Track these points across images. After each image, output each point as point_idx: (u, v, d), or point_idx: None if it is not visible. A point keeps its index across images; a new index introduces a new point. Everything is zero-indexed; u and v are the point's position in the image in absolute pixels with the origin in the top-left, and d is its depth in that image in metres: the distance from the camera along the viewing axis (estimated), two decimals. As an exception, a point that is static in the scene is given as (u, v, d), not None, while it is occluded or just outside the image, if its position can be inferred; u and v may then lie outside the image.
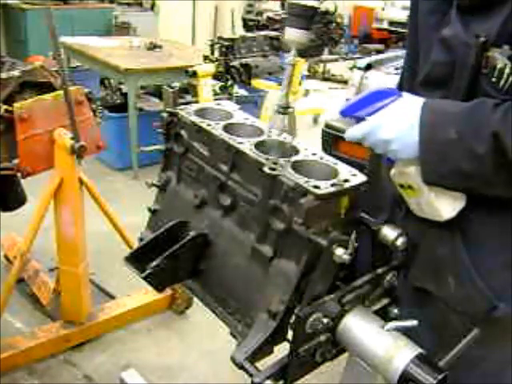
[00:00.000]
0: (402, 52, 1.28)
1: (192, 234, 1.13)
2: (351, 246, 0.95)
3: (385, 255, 1.08)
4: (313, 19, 1.00)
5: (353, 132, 1.01)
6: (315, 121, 6.14)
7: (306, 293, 0.97)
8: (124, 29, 6.85)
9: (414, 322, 0.99)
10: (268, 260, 1.02)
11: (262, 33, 4.69)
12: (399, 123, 0.97)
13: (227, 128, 1.14)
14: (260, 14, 7.94)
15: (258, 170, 1.00)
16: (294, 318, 0.97)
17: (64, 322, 2.51)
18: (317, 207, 0.93)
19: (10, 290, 2.32)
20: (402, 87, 1.20)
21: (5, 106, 2.12)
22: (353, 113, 1.01)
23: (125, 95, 4.55)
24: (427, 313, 1.11)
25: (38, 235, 2.31)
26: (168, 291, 2.77)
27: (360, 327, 1.00)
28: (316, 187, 0.94)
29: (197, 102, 3.70)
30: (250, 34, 4.61)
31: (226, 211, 1.11)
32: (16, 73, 2.19)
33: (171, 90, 3.83)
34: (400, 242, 1.00)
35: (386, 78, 3.65)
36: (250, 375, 0.96)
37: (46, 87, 2.25)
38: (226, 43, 4.13)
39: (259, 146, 1.08)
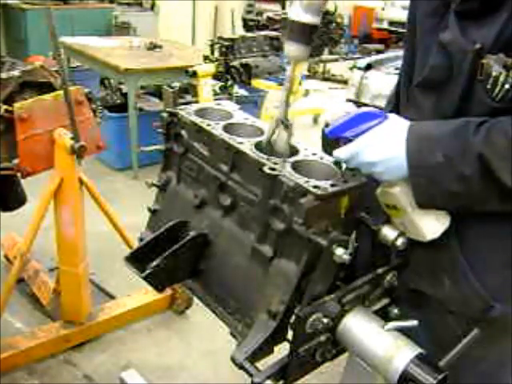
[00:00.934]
0: (401, 52, 1.27)
1: (192, 233, 1.13)
2: (351, 246, 0.95)
3: (385, 255, 1.08)
4: (313, 35, 1.00)
5: (339, 153, 1.02)
6: (315, 121, 6.14)
7: (306, 293, 0.97)
8: (124, 29, 6.85)
9: (414, 322, 0.99)
10: (268, 260, 1.02)
11: (262, 33, 4.69)
12: (384, 146, 0.98)
13: (227, 128, 1.14)
14: (260, 14, 7.93)
15: (258, 170, 1.00)
16: (294, 317, 0.97)
17: (64, 322, 2.51)
18: (317, 207, 0.93)
19: (10, 290, 2.32)
20: (399, 89, 1.21)
21: (5, 106, 2.12)
22: (339, 133, 1.01)
23: (125, 95, 4.55)
24: (424, 313, 1.11)
25: (38, 235, 2.31)
26: (168, 291, 2.77)
27: (360, 327, 1.00)
28: (316, 187, 0.94)
29: (197, 101, 3.70)
30: (249, 34, 4.61)
31: (226, 211, 1.11)
32: (16, 73, 2.19)
33: (171, 89, 3.83)
34: (400, 242, 1.00)
35: (386, 77, 3.65)
36: (250, 375, 0.96)
37: (46, 87, 2.25)
38: (226, 43, 4.13)
39: (259, 145, 1.08)
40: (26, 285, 2.84)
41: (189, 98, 4.02)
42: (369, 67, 3.87)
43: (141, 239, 1.27)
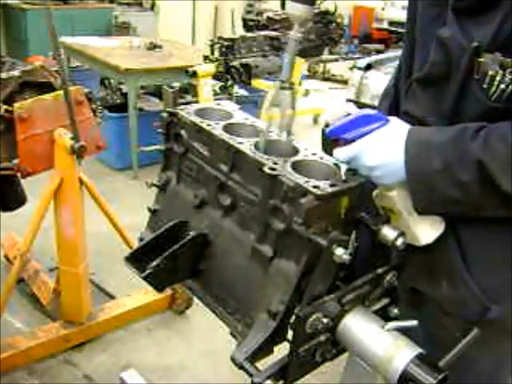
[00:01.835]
0: (401, 52, 1.28)
1: (192, 233, 1.13)
2: (351, 246, 0.95)
3: (385, 255, 1.08)
4: None
5: (339, 154, 1.02)
6: (315, 121, 6.14)
7: (306, 293, 0.97)
8: (124, 29, 6.85)
9: (414, 322, 0.99)
10: (268, 260, 1.02)
11: (262, 33, 4.68)
12: (383, 150, 0.98)
13: (227, 128, 1.14)
14: (260, 13, 7.92)
15: (258, 170, 1.00)
16: (294, 317, 0.97)
17: (64, 322, 2.51)
18: (317, 207, 0.93)
19: (10, 290, 2.32)
20: (398, 82, 1.21)
21: (5, 106, 2.12)
22: (339, 134, 1.01)
23: (125, 95, 4.55)
24: (422, 313, 1.11)
25: (38, 235, 2.31)
26: (168, 291, 2.77)
27: (360, 327, 1.00)
28: (316, 187, 0.94)
29: (197, 101, 3.70)
30: (250, 34, 4.60)
31: (226, 211, 1.11)
32: (16, 73, 2.19)
33: (171, 90, 3.83)
34: (400, 242, 1.00)
35: (386, 77, 3.65)
36: (250, 375, 0.96)
37: (46, 87, 2.25)
38: (226, 43, 4.13)
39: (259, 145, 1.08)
40: (26, 285, 2.84)
41: (189, 97, 4.01)
42: (369, 67, 3.87)
43: (141, 239, 1.27)
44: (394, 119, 1.03)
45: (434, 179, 0.94)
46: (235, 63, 4.08)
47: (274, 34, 4.63)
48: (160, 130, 1.22)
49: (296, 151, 1.09)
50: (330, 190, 0.95)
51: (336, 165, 1.05)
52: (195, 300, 2.64)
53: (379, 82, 3.72)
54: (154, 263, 1.08)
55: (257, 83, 4.39)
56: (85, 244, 2.46)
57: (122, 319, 2.68)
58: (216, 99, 3.74)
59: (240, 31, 7.11)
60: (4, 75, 2.15)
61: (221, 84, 4.26)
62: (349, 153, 1.00)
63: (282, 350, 1.01)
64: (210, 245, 1.14)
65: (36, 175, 2.22)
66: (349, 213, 1.00)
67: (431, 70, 1.02)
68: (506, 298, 1.03)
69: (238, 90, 4.91)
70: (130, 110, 4.20)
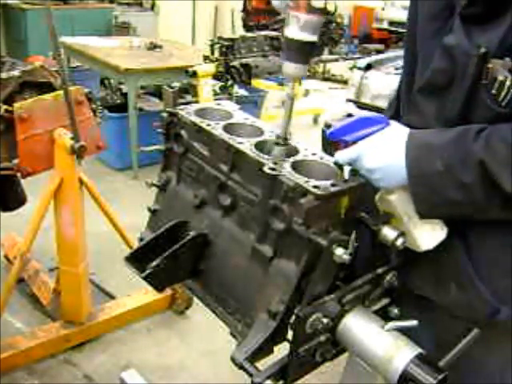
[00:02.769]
0: (401, 52, 1.27)
1: (192, 233, 1.13)
2: (351, 245, 0.95)
3: (385, 255, 1.08)
4: (311, 53, 0.98)
5: (340, 156, 1.02)
6: (315, 121, 6.14)
7: (306, 293, 0.97)
8: (124, 29, 6.85)
9: (414, 322, 0.99)
10: (268, 260, 1.02)
11: (262, 33, 4.68)
12: (383, 153, 0.98)
13: (227, 128, 1.14)
14: (260, 13, 7.92)
15: (258, 170, 1.00)
16: (294, 317, 0.97)
17: (64, 322, 2.51)
18: (317, 207, 0.93)
19: (10, 290, 2.32)
20: (399, 94, 1.20)
21: (5, 106, 2.12)
22: (340, 136, 1.01)
23: (125, 95, 4.55)
24: (427, 317, 1.11)
25: (38, 235, 2.31)
26: (168, 291, 2.77)
27: (360, 327, 1.00)
28: (316, 187, 0.94)
29: (197, 101, 3.70)
30: (249, 34, 4.60)
31: (226, 211, 1.11)
32: (16, 73, 2.19)
33: (171, 89, 3.83)
34: (400, 242, 1.00)
35: (386, 77, 3.65)
36: (250, 375, 0.96)
37: (46, 87, 2.25)
38: (226, 43, 4.12)
39: (259, 145, 1.08)
40: (26, 285, 2.84)
41: (189, 97, 4.01)
42: (369, 67, 3.87)
43: (141, 239, 1.27)
44: (394, 123, 1.02)
45: (435, 181, 0.94)
46: (235, 63, 4.08)
47: (273, 33, 4.63)
48: (160, 130, 1.22)
49: (296, 151, 1.09)
50: (330, 189, 0.95)
51: (338, 166, 1.04)
52: (195, 300, 2.64)
53: (379, 82, 3.71)
54: (154, 263, 1.08)
55: (257, 83, 4.39)
56: (85, 244, 2.46)
57: (122, 319, 2.68)
58: (216, 99, 3.74)
59: (240, 31, 7.12)
60: (4, 75, 2.15)
61: (221, 84, 4.26)
62: (349, 155, 1.00)
63: (282, 350, 1.01)
64: (210, 245, 1.14)
65: (36, 175, 2.23)
66: (349, 213, 1.00)
67: (435, 77, 1.02)
68: None
69: (238, 90, 4.91)
70: (130, 110, 4.20)
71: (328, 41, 5.83)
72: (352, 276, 1.06)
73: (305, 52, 0.97)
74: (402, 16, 8.43)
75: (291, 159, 1.05)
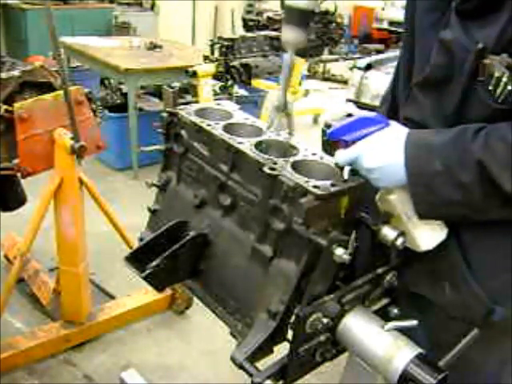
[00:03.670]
0: (401, 52, 1.28)
1: (192, 233, 1.13)
2: (351, 245, 0.95)
3: (385, 255, 1.08)
4: (310, 21, 1.02)
5: (339, 156, 1.02)
6: (315, 121, 6.14)
7: (306, 293, 0.97)
8: (124, 29, 6.85)
9: (414, 322, 0.99)
10: (268, 260, 1.02)
11: (262, 33, 4.68)
12: (382, 153, 0.98)
13: (227, 128, 1.14)
14: (260, 13, 7.92)
15: (257, 170, 1.00)
16: (294, 317, 0.97)
17: (64, 322, 2.51)
18: (317, 207, 0.93)
19: (10, 290, 2.32)
20: (395, 88, 1.20)
21: (5, 106, 2.12)
22: (339, 136, 1.02)
23: (125, 95, 4.55)
24: (425, 316, 1.11)
25: (38, 235, 2.31)
26: (168, 291, 2.77)
27: (360, 327, 1.00)
28: (316, 187, 0.94)
29: (197, 101, 3.70)
30: (250, 34, 4.60)
31: (226, 211, 1.11)
32: (16, 73, 2.19)
33: (171, 89, 3.82)
34: (400, 242, 1.00)
35: (386, 77, 3.65)
36: (250, 375, 0.96)
37: (46, 87, 2.25)
38: (226, 43, 4.12)
39: (259, 145, 1.08)
40: (26, 285, 2.84)
41: (189, 97, 4.01)
42: (369, 67, 3.87)
43: (141, 239, 1.27)
44: (394, 123, 1.03)
45: (434, 181, 0.94)
46: (235, 63, 4.08)
47: (273, 33, 4.63)
48: (160, 130, 1.22)
49: (296, 151, 1.09)
50: (330, 189, 0.95)
51: (337, 165, 1.05)
52: (195, 300, 2.64)
53: (379, 81, 3.71)
54: (154, 263, 1.08)
55: (257, 83, 4.38)
56: (85, 244, 2.46)
57: (122, 319, 2.68)
58: (216, 99, 3.74)
59: (240, 31, 7.12)
60: (4, 75, 2.15)
61: (221, 84, 4.26)
62: (349, 155, 1.00)
63: (282, 350, 1.01)
64: (210, 245, 1.14)
65: (36, 175, 2.22)
66: (349, 213, 1.00)
67: (433, 72, 1.02)
68: (509, 298, 1.03)
69: (238, 90, 4.91)
70: (130, 110, 4.20)
71: (328, 41, 5.82)
72: (352, 276, 1.06)
73: (304, 19, 1.02)
74: (402, 16, 8.42)
75: (291, 159, 1.05)
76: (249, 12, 8.46)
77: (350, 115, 1.03)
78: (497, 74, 0.90)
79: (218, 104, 1.29)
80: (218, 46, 4.18)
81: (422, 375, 0.90)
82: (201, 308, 1.18)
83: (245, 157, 1.05)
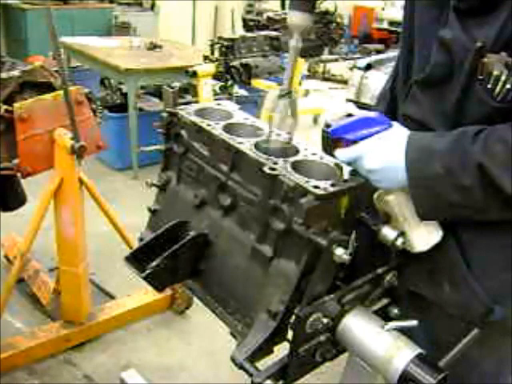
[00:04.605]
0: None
1: (192, 233, 1.13)
2: (351, 245, 0.95)
3: (385, 255, 1.08)
4: (315, 3, 1.02)
5: (340, 155, 1.02)
6: (315, 121, 6.14)
7: (306, 293, 0.97)
8: (124, 29, 6.85)
9: (414, 322, 0.99)
10: (268, 260, 1.02)
11: (262, 33, 4.68)
12: (383, 155, 0.98)
13: (227, 128, 1.14)
14: (260, 14, 7.92)
15: (258, 169, 1.00)
16: (294, 317, 0.97)
17: (64, 322, 2.51)
18: (317, 207, 0.93)
19: (10, 290, 2.32)
20: (394, 86, 1.20)
21: (5, 106, 2.11)
22: (342, 134, 1.02)
23: (125, 95, 4.55)
24: (425, 316, 1.11)
25: (38, 235, 2.31)
26: (168, 291, 2.77)
27: (360, 327, 1.00)
28: (316, 187, 0.94)
29: (197, 101, 3.70)
30: (249, 34, 4.60)
31: (226, 211, 1.11)
32: (16, 73, 2.19)
33: (171, 89, 3.82)
34: (400, 241, 1.00)
35: (386, 77, 3.65)
36: (250, 375, 0.96)
37: (46, 87, 2.25)
38: (226, 43, 4.12)
39: (259, 145, 1.08)
40: (26, 285, 2.84)
41: (189, 97, 4.02)
42: (369, 67, 3.88)
43: (141, 239, 1.27)
44: (396, 124, 1.03)
45: (435, 184, 0.94)
46: (235, 63, 4.07)
47: (274, 33, 4.62)
48: (160, 130, 1.22)
49: (296, 151, 1.09)
50: (330, 189, 0.95)
51: (337, 165, 1.05)
52: (195, 300, 2.64)
53: (379, 81, 3.71)
54: (154, 263, 1.08)
55: (257, 83, 4.38)
56: (85, 244, 2.46)
57: (122, 319, 2.68)
58: (216, 99, 3.74)
59: (240, 31, 7.11)
60: (4, 75, 2.15)
61: (221, 84, 4.26)
62: (350, 154, 1.00)
63: (282, 350, 1.01)
64: (210, 245, 1.14)
65: (36, 175, 2.23)
66: (349, 213, 1.00)
67: (433, 71, 1.02)
68: (509, 298, 1.03)
69: (238, 90, 4.91)
70: (130, 110, 4.20)
71: (328, 41, 5.82)
72: (352, 276, 1.06)
73: (309, 2, 1.02)
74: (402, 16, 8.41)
75: (291, 159, 1.05)
76: (249, 12, 8.45)
77: (350, 115, 1.03)
78: (495, 73, 0.90)
79: (218, 104, 1.29)
80: (218, 46, 4.18)
81: (421, 375, 0.90)
82: (201, 308, 1.18)
83: (245, 157, 1.05)
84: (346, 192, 0.98)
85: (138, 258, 1.14)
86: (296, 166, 1.02)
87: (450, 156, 0.92)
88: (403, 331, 0.98)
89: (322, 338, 1.00)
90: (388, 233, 1.01)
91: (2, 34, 6.57)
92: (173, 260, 1.10)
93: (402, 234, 1.01)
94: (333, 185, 0.96)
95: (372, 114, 1.03)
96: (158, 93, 4.75)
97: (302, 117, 5.77)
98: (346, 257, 0.93)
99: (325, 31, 5.68)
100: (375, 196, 1.06)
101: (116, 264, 2.74)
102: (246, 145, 1.07)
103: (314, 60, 6.88)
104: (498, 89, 0.91)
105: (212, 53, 4.22)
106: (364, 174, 1.01)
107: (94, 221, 2.61)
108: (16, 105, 2.11)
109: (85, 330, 2.53)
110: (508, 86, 0.90)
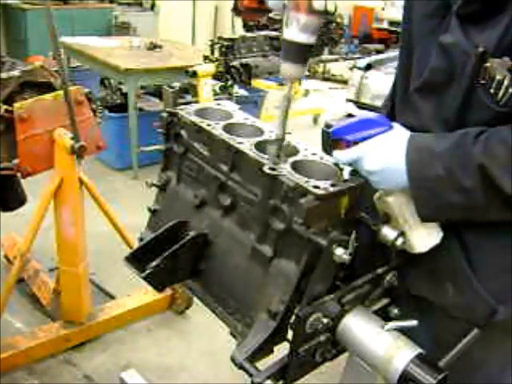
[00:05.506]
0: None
1: (192, 233, 1.13)
2: (351, 245, 0.95)
3: (385, 255, 1.08)
4: (308, 55, 0.98)
5: (340, 156, 1.02)
6: (315, 121, 6.14)
7: (306, 293, 0.97)
8: (124, 29, 6.85)
9: (414, 322, 0.99)
10: (268, 260, 1.02)
11: (262, 33, 4.68)
12: (384, 156, 0.98)
13: (227, 128, 1.14)
14: (260, 13, 7.91)
15: (258, 169, 1.00)
16: (294, 317, 0.97)
17: (64, 322, 2.51)
18: (317, 207, 0.93)
19: (10, 289, 2.32)
20: (395, 93, 1.20)
21: (5, 106, 2.12)
22: (343, 135, 1.02)
23: (125, 95, 4.55)
24: (425, 316, 1.11)
25: (38, 235, 2.31)
26: (168, 291, 2.77)
27: (360, 327, 1.00)
28: (316, 187, 0.94)
29: (197, 101, 3.70)
30: (249, 34, 4.60)
31: (226, 211, 1.11)
32: (16, 73, 2.19)
33: (171, 89, 3.82)
34: (400, 241, 1.00)
35: (386, 77, 3.65)
36: (250, 375, 0.96)
37: (46, 87, 2.25)
38: (226, 43, 4.12)
39: (259, 145, 1.08)
40: (26, 285, 2.84)
41: (189, 97, 4.01)
42: (369, 67, 3.88)
43: (141, 239, 1.27)
44: (397, 126, 1.02)
45: (435, 185, 0.94)
46: (235, 63, 4.07)
47: (273, 34, 4.62)
48: (160, 130, 1.22)
49: (296, 151, 1.09)
50: (330, 189, 0.95)
51: (337, 165, 1.05)
52: (195, 300, 2.64)
53: (379, 81, 3.72)
54: (154, 263, 1.08)
55: (257, 83, 4.38)
56: (85, 244, 2.46)
57: (122, 319, 2.68)
58: (216, 99, 3.74)
59: (240, 31, 7.11)
60: (4, 75, 2.15)
61: (221, 84, 4.25)
62: (350, 155, 1.00)
63: (282, 350, 1.01)
64: (210, 245, 1.14)
65: (36, 175, 2.22)
66: (349, 213, 1.00)
67: (432, 76, 1.01)
68: (511, 299, 1.03)
69: (238, 90, 4.90)
70: (130, 110, 4.20)
71: (328, 41, 5.81)
72: (352, 276, 1.06)
73: (304, 53, 0.97)
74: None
75: (291, 159, 1.05)
76: (249, 12, 8.44)
77: (350, 115, 1.03)
78: (498, 77, 0.90)
79: (218, 104, 1.29)
80: (217, 46, 4.18)
81: (421, 375, 0.90)
82: (201, 308, 1.18)
83: (245, 157, 1.05)
84: (346, 192, 0.98)
85: (137, 258, 1.14)
86: (296, 166, 1.02)
87: (451, 157, 0.92)
88: (403, 331, 0.98)
89: (322, 338, 1.00)
90: (388, 233, 1.01)
91: (2, 33, 6.57)
92: (173, 260, 1.10)
93: (401, 233, 1.01)
94: (333, 185, 0.97)
95: (373, 116, 1.03)
96: (157, 93, 4.75)
97: (302, 117, 5.78)
98: (346, 257, 0.93)
99: (325, 31, 5.67)
100: (375, 196, 1.06)
101: (116, 264, 2.72)
102: (245, 145, 1.07)
103: (314, 60, 6.87)
104: (500, 93, 0.91)
105: (212, 53, 4.22)
106: (364, 175, 1.01)
107: (93, 221, 2.61)
108: (16, 105, 2.11)
109: (85, 330, 2.53)
110: (511, 91, 0.90)
